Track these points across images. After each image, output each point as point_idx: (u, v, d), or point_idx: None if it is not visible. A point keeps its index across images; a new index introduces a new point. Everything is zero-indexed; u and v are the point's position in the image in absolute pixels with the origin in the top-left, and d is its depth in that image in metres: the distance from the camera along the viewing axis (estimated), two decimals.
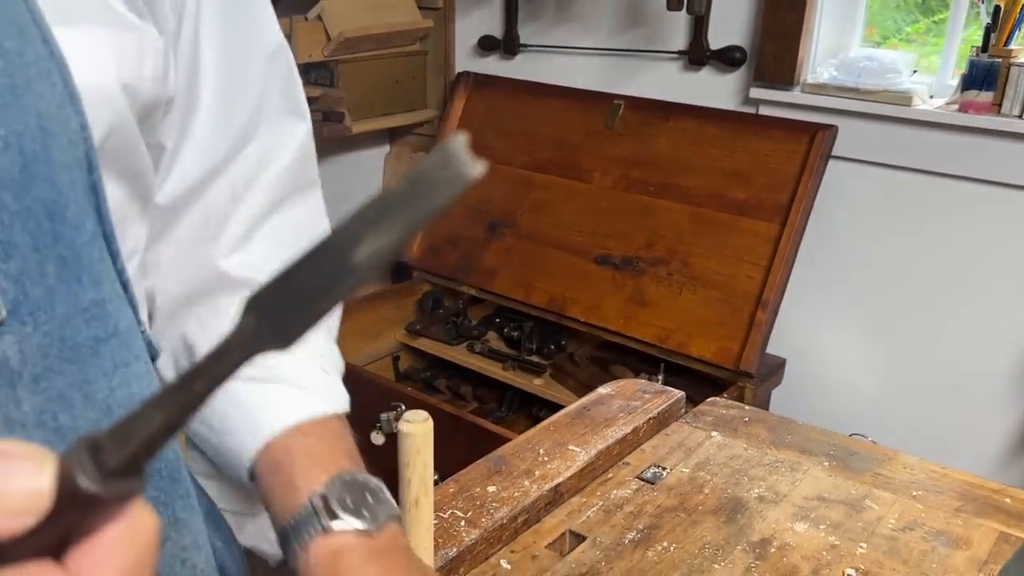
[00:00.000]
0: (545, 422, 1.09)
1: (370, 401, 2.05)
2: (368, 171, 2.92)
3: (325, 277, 0.27)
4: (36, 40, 0.44)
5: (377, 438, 1.98)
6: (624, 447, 1.05)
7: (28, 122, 0.43)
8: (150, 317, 0.64)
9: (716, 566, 0.83)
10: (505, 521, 0.89)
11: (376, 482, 0.56)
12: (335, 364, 0.66)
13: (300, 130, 0.65)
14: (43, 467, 0.27)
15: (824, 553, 0.84)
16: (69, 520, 0.28)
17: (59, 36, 0.45)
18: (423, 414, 0.75)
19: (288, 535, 0.54)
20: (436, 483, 0.95)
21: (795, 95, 2.13)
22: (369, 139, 2.83)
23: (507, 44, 2.64)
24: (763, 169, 2.11)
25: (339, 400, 0.62)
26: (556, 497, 0.94)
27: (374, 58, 2.67)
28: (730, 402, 1.16)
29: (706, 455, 1.02)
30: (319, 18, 2.51)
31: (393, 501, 0.56)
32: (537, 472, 0.97)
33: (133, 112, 0.52)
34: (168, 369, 0.65)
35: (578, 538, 0.87)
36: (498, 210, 2.52)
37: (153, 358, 0.56)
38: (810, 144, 2.04)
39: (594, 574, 0.82)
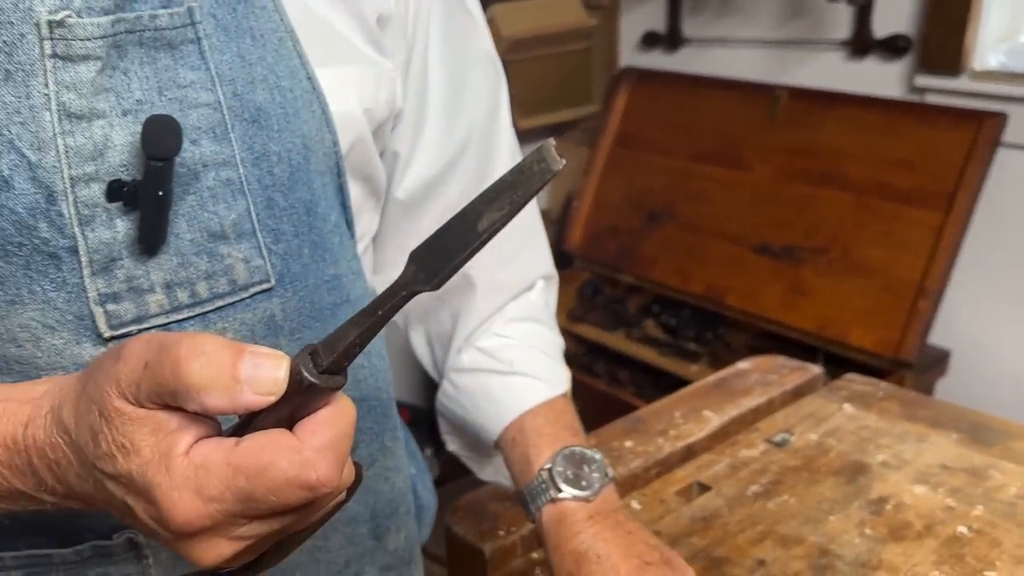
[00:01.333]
0: (683, 390, 1.18)
1: None
2: None
3: (460, 239, 0.40)
4: (303, 79, 0.59)
5: None
6: (757, 415, 1.12)
7: (295, 142, 0.58)
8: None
9: (831, 517, 0.89)
10: (639, 471, 0.98)
11: (592, 453, 0.71)
12: (556, 347, 0.82)
13: (504, 137, 0.78)
14: (281, 363, 0.40)
15: (939, 512, 0.89)
16: (296, 403, 0.41)
17: (319, 75, 0.60)
18: None
19: (526, 500, 0.71)
20: None
21: (962, 82, 2.09)
22: (537, 134, 2.96)
23: (670, 39, 2.71)
24: (928, 158, 2.09)
25: (560, 382, 0.78)
26: (688, 454, 1.03)
27: (542, 57, 2.80)
28: (868, 379, 1.20)
29: (836, 424, 1.08)
30: (491, 22, 2.67)
31: (608, 468, 0.71)
32: (672, 432, 1.06)
33: (370, 129, 0.66)
34: (423, 339, 0.82)
35: (704, 488, 0.96)
36: (658, 200, 2.60)
37: None
38: (977, 132, 2.01)
39: (715, 518, 0.90)
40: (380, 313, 0.41)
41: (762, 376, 1.20)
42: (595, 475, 0.70)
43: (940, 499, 0.92)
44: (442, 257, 0.40)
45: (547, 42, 2.79)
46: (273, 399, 0.40)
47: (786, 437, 1.05)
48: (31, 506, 0.46)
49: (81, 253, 0.52)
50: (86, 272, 0.52)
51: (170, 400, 0.40)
